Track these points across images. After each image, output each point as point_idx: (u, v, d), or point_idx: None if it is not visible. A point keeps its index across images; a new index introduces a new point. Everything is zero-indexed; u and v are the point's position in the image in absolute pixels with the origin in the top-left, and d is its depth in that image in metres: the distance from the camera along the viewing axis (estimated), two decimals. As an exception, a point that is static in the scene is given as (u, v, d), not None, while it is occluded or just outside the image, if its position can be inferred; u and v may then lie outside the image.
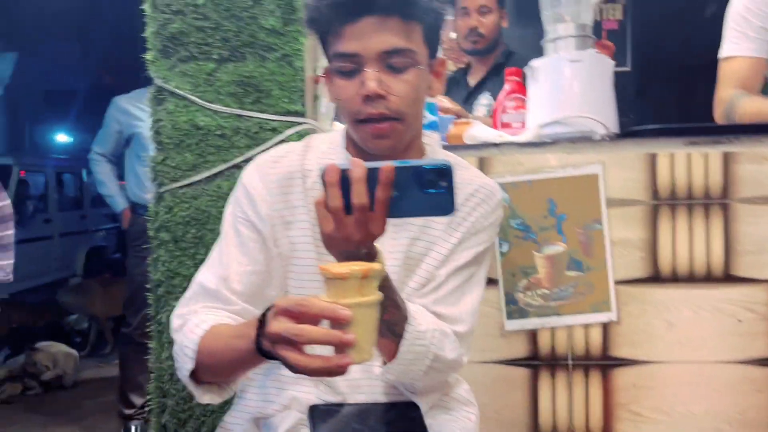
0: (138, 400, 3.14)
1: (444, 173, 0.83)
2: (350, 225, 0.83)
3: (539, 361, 1.55)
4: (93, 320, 5.01)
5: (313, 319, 0.76)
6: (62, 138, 13.64)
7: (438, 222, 1.10)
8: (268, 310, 0.83)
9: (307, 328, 0.75)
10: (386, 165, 0.81)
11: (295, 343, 0.76)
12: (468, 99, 2.52)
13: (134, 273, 3.08)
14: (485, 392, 1.53)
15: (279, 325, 0.77)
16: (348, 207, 0.82)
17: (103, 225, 7.83)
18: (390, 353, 1.00)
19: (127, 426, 3.13)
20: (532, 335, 1.55)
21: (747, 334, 1.48)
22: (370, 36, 0.98)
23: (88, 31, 9.61)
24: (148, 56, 1.56)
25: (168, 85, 1.55)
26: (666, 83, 2.09)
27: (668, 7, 2.91)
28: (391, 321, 0.95)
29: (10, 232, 2.29)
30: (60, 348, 4.06)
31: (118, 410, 3.20)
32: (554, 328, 1.54)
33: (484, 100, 2.44)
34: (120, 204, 3.16)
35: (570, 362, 1.54)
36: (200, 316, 1.00)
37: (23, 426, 3.41)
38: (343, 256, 0.88)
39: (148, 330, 3.10)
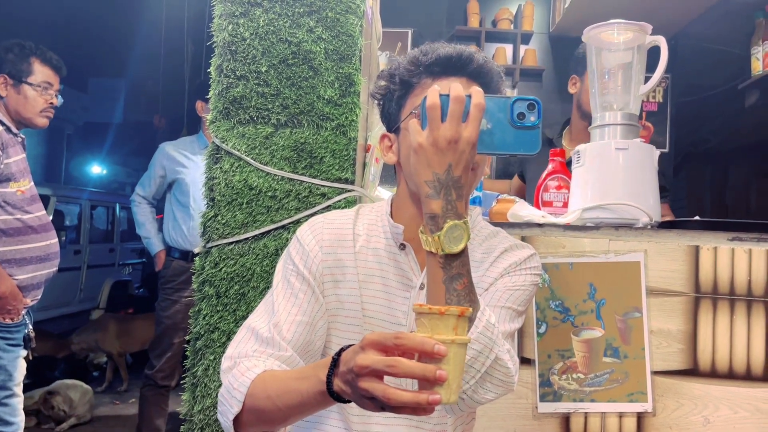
0: (154, 444, 3.13)
1: (535, 106, 0.89)
2: (444, 125, 0.90)
3: (571, 447, 1.53)
4: (108, 356, 5.03)
5: (407, 352, 0.76)
6: (96, 170, 13.99)
7: (476, 271, 1.11)
8: (342, 350, 0.84)
9: (402, 360, 0.74)
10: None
11: (381, 377, 0.76)
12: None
13: (162, 316, 3.12)
14: (514, 474, 1.52)
15: (368, 358, 0.76)
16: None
17: (129, 259, 7.93)
18: None
19: (141, 469, 3.11)
20: (565, 419, 1.53)
21: (786, 438, 1.46)
22: None
23: (133, 69, 9.97)
24: (210, 116, 1.63)
25: (225, 145, 1.61)
26: (701, 165, 2.12)
27: (708, 92, 2.95)
28: (462, 293, 0.93)
29: (45, 271, 2.32)
30: (76, 388, 4.06)
31: (132, 452, 3.19)
32: (588, 414, 1.53)
33: None
34: (156, 246, 3.22)
35: (602, 450, 1.52)
36: (252, 360, 1.01)
37: (37, 460, 3.41)
38: (431, 183, 0.91)
39: (170, 374, 3.14)
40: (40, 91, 2.28)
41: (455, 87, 0.90)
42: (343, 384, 0.81)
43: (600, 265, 1.54)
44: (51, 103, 2.32)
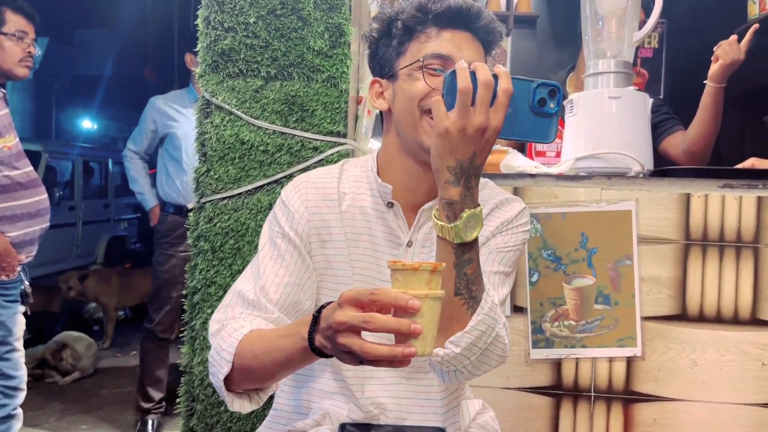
0: (156, 395, 3.20)
1: (556, 93, 0.87)
2: (472, 111, 0.86)
3: (562, 391, 1.57)
4: (103, 310, 5.08)
5: (383, 308, 0.78)
6: (87, 125, 13.82)
7: None
8: (322, 307, 0.86)
9: (377, 316, 0.77)
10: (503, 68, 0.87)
11: (359, 333, 0.78)
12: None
13: (159, 270, 3.13)
14: (507, 418, 1.56)
15: (346, 314, 0.78)
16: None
17: (125, 215, 7.93)
18: (461, 321, 0.97)
19: (144, 419, 3.17)
20: (557, 365, 1.57)
21: (771, 379, 1.50)
22: (462, 46, 1.07)
23: (121, 20, 9.74)
24: (198, 70, 1.61)
25: (216, 99, 1.59)
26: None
27: (704, 37, 2.91)
28: (471, 277, 0.94)
29: (37, 227, 2.31)
30: (82, 341, 4.13)
31: (135, 402, 3.26)
32: (579, 360, 1.57)
33: None
34: (150, 201, 3.22)
35: (593, 394, 1.56)
36: (239, 322, 1.03)
37: (41, 413, 3.47)
38: (453, 170, 0.89)
39: (169, 327, 3.19)
40: (15, 40, 2.23)
41: (482, 71, 0.86)
42: (323, 340, 0.84)
43: (592, 214, 1.55)
44: (29, 52, 2.27)
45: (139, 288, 5.01)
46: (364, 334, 0.79)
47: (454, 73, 0.87)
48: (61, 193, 6.48)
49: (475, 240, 0.93)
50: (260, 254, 1.13)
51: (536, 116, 0.87)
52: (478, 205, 0.92)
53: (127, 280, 5.11)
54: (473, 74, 0.86)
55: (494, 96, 0.86)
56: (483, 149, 0.89)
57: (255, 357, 0.97)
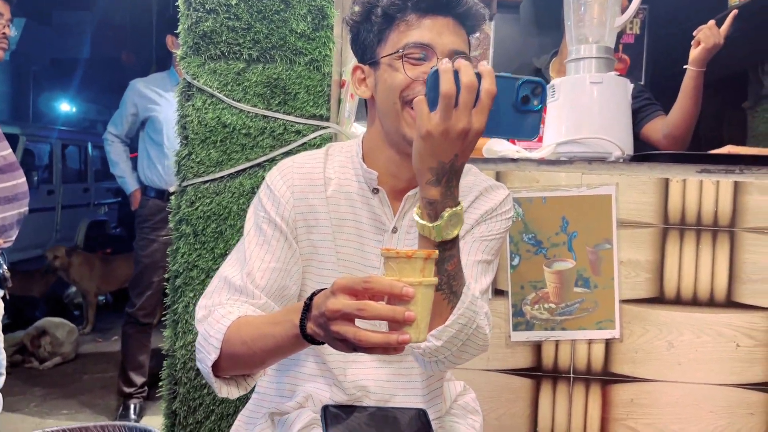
0: (138, 379, 3.19)
1: (539, 89, 0.86)
2: (455, 113, 0.85)
3: (542, 373, 1.59)
4: (83, 296, 5.03)
5: (376, 296, 0.78)
6: (65, 107, 13.59)
7: None
8: (314, 294, 0.86)
9: (371, 303, 0.77)
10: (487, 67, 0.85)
11: (353, 320, 0.78)
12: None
13: (141, 255, 3.11)
14: (488, 399, 1.59)
15: (339, 302, 0.78)
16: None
17: (105, 199, 7.84)
18: (442, 315, 0.97)
19: (126, 404, 3.17)
20: (537, 347, 1.60)
21: (745, 360, 1.53)
22: (443, 33, 1.05)
23: (100, 1, 9.56)
24: (179, 52, 1.59)
25: (197, 81, 1.58)
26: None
27: (685, 23, 2.93)
28: (452, 273, 0.95)
29: (15, 212, 2.27)
30: (63, 327, 4.09)
31: (117, 387, 3.25)
32: (558, 342, 1.59)
33: None
34: (131, 185, 3.19)
35: (571, 375, 1.59)
36: (226, 308, 1.03)
37: (21, 398, 3.44)
38: (434, 170, 0.89)
39: (151, 311, 3.17)
40: None
41: (466, 71, 0.84)
42: (316, 327, 0.84)
43: (572, 198, 1.57)
44: (3, 33, 2.21)
45: (120, 273, 4.97)
46: (357, 321, 0.79)
47: (437, 72, 0.85)
48: (40, 176, 6.40)
49: (456, 237, 0.93)
50: (246, 239, 1.12)
51: (520, 113, 0.87)
52: (459, 203, 0.92)
53: (108, 266, 5.06)
54: (456, 74, 0.85)
55: (477, 96, 0.85)
56: (465, 151, 0.88)
57: (243, 343, 0.97)
